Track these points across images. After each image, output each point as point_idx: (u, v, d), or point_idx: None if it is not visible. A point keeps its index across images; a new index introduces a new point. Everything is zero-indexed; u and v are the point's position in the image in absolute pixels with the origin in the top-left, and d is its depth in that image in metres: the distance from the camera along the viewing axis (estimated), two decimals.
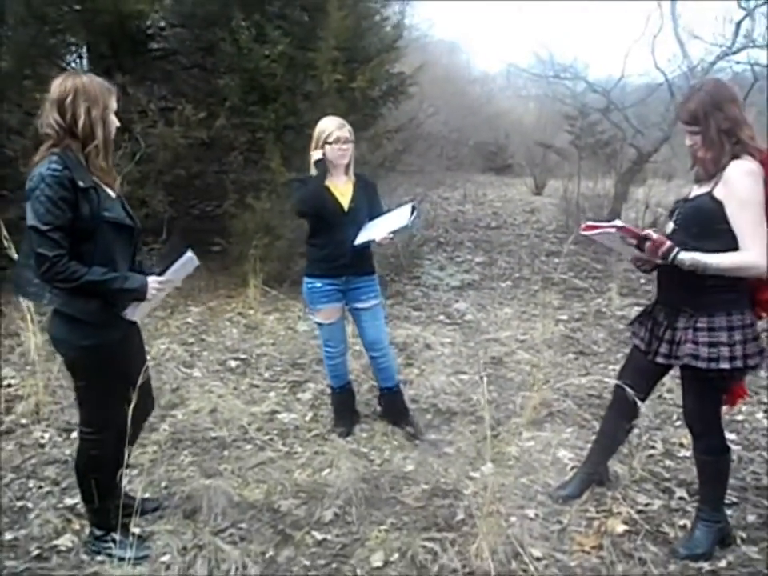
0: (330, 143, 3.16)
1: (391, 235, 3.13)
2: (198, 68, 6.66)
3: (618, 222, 2.36)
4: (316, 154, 3.20)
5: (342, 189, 3.25)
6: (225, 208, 5.91)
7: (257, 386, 4.08)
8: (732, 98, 2.28)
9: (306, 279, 3.32)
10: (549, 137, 13.13)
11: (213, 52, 6.11)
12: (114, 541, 2.39)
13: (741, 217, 2.17)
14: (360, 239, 3.18)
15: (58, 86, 2.15)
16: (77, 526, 2.63)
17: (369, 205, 3.30)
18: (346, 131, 3.19)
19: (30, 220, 2.07)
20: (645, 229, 2.43)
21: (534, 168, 13.76)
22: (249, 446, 3.32)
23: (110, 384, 2.29)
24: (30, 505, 2.78)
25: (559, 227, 9.55)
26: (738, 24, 8.02)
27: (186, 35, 6.35)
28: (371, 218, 3.29)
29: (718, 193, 2.21)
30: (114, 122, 2.25)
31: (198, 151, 6.03)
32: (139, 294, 2.24)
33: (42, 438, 3.35)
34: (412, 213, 3.12)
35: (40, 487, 2.92)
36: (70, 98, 2.12)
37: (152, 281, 2.27)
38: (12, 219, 3.99)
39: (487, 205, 11.90)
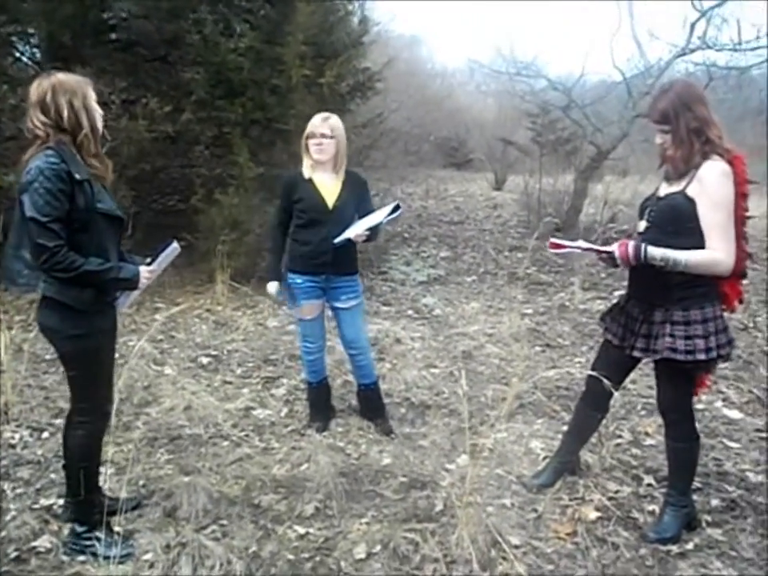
0: (308, 138, 3.17)
1: (367, 232, 3.12)
2: (161, 60, 6.55)
3: (582, 244, 2.51)
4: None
5: (330, 186, 3.23)
6: (192, 203, 5.84)
7: (230, 383, 4.08)
8: (700, 98, 2.38)
9: (288, 274, 3.31)
10: (508, 133, 13.30)
11: (177, 44, 6.02)
12: (97, 539, 2.39)
13: (712, 217, 2.27)
14: (340, 238, 3.16)
15: (35, 88, 2.20)
16: (55, 527, 2.59)
17: (357, 203, 3.27)
18: (325, 126, 3.16)
19: (29, 211, 2.11)
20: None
21: (495, 164, 13.94)
22: (225, 443, 3.32)
23: (100, 372, 2.36)
24: (5, 506, 2.73)
25: (520, 222, 9.72)
26: (693, 25, 8.27)
27: (149, 27, 6.23)
28: (361, 216, 3.26)
29: (691, 191, 2.30)
30: (97, 109, 2.30)
31: (163, 145, 5.95)
32: (132, 284, 2.31)
33: (13, 438, 3.28)
34: (393, 212, 3.14)
35: (14, 488, 2.87)
36: (49, 96, 2.17)
37: (143, 270, 2.34)
38: None
39: (449, 200, 12.01)
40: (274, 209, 5.94)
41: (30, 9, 5.53)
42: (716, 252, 2.28)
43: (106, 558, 2.31)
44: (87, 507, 2.40)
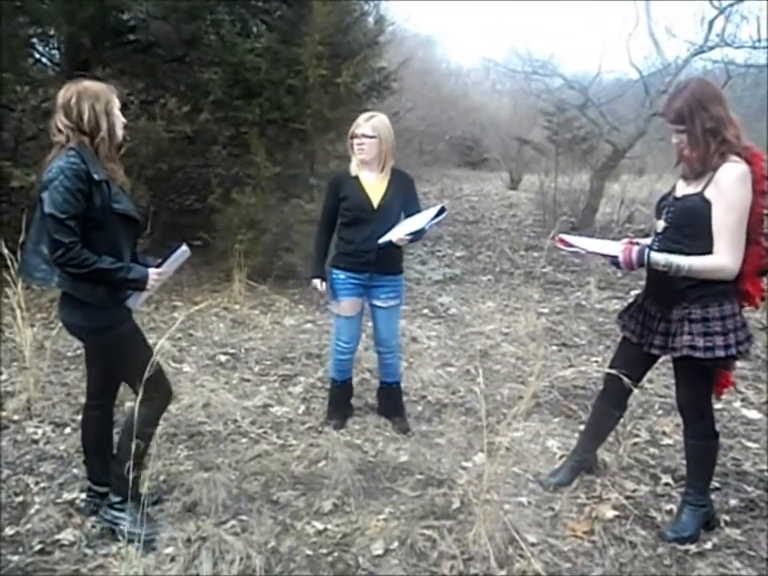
0: (351, 137, 3.19)
1: (409, 237, 3.11)
2: (180, 61, 6.61)
3: (587, 246, 2.53)
4: None
5: (375, 185, 3.21)
6: (209, 202, 5.89)
7: (248, 381, 4.11)
8: (716, 96, 2.34)
9: (331, 270, 3.33)
10: (524, 132, 13.27)
11: (195, 45, 6.08)
12: (127, 514, 2.47)
13: (724, 220, 2.26)
14: (383, 239, 3.14)
15: (62, 94, 2.30)
16: (78, 521, 2.64)
17: (404, 201, 3.25)
18: (367, 126, 3.14)
19: (48, 208, 2.20)
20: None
21: (510, 163, 13.91)
22: (244, 440, 3.35)
23: (138, 354, 2.41)
24: (29, 500, 2.78)
25: (536, 222, 9.70)
26: (711, 23, 8.21)
27: (167, 28, 6.28)
28: (407, 215, 3.24)
29: (709, 193, 2.29)
30: (119, 116, 2.39)
31: (181, 145, 6.01)
32: (141, 284, 2.40)
33: (36, 433, 3.34)
34: (438, 215, 3.12)
35: (37, 483, 2.92)
36: (74, 100, 2.27)
37: (152, 272, 2.41)
38: None
39: (464, 199, 12.00)
40: (290, 208, 5.98)
41: (50, 10, 5.59)
42: (721, 257, 2.27)
43: (131, 534, 2.38)
44: (128, 479, 2.43)
